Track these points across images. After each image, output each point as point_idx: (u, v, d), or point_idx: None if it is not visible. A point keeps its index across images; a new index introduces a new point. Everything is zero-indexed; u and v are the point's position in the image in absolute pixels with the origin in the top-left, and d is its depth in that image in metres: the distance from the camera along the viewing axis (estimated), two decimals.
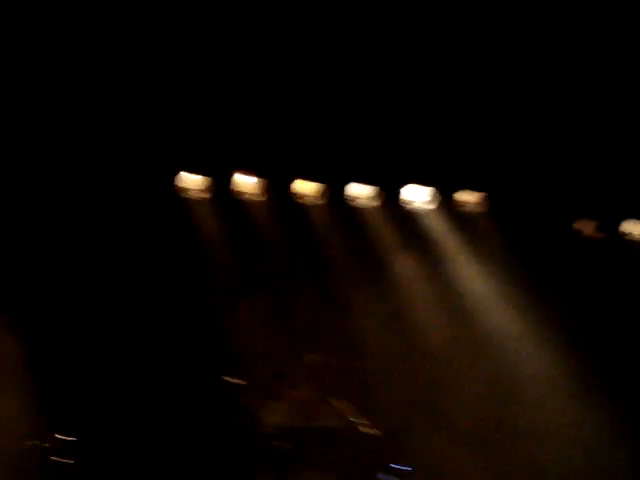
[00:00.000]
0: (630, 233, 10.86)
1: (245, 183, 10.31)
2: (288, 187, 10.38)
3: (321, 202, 10.55)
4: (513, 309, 10.79)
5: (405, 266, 10.85)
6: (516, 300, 10.77)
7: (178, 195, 10.00)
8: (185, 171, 9.94)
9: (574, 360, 10.50)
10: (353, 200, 10.58)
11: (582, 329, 10.66)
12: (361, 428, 9.43)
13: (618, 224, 10.82)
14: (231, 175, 10.18)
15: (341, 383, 9.91)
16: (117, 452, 9.64)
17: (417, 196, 10.90)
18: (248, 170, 10.19)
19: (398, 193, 10.70)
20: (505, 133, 10.11)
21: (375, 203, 10.70)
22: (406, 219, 10.89)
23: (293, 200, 10.42)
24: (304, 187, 10.46)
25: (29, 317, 9.37)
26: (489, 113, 9.93)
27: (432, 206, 10.91)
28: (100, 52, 8.90)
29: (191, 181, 10.05)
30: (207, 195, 10.15)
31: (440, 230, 11.01)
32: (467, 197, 10.99)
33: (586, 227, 10.88)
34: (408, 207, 10.79)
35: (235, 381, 9.09)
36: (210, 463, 9.94)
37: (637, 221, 10.87)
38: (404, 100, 9.83)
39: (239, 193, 10.29)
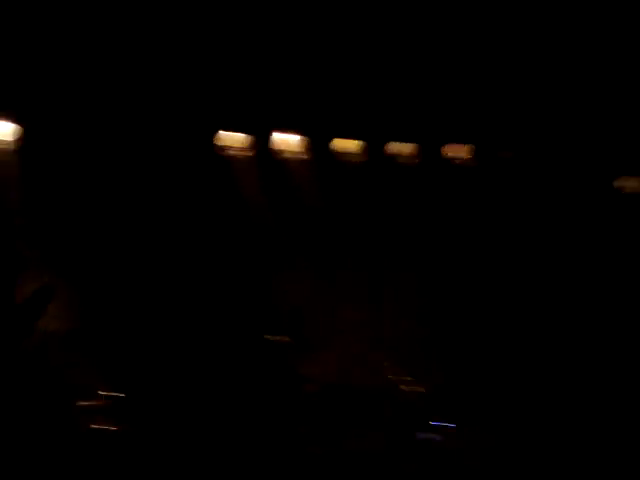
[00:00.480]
0: None
1: (285, 141, 10.28)
2: (328, 145, 10.34)
3: (361, 159, 10.52)
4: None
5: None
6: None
7: (219, 153, 10.02)
8: (226, 130, 9.92)
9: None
10: (394, 157, 10.55)
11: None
12: (403, 385, 9.41)
13: None
14: (271, 133, 10.16)
15: (384, 342, 9.91)
16: (164, 404, 9.74)
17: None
18: (288, 128, 10.15)
19: (436, 150, 10.64)
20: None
21: (415, 160, 10.65)
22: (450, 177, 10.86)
23: (333, 158, 10.39)
24: (344, 145, 10.43)
25: (76, 273, 9.52)
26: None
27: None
28: (142, 15, 8.96)
29: (232, 139, 10.03)
30: (248, 153, 10.14)
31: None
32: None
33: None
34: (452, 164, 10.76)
35: (279, 339, 9.09)
36: (255, 420, 10.00)
37: None
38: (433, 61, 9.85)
39: (279, 151, 10.28)
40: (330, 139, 10.25)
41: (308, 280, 10.40)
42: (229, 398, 9.91)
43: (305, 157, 10.30)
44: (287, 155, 10.27)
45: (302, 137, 10.23)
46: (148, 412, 9.60)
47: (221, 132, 9.87)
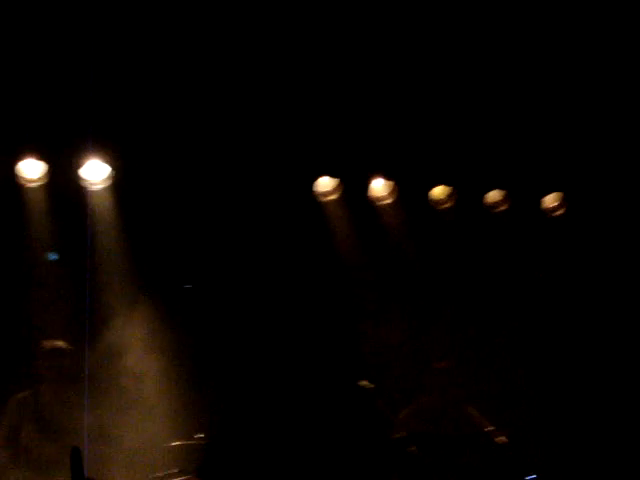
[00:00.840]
0: None
1: (379, 187, 10.31)
2: (422, 191, 10.36)
3: (454, 206, 10.52)
4: None
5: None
6: None
7: (315, 199, 10.07)
8: (322, 175, 9.98)
9: None
10: (489, 205, 10.55)
11: None
12: (494, 436, 9.33)
13: None
14: (366, 179, 10.20)
15: (473, 390, 9.86)
16: (248, 451, 9.73)
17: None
18: (383, 174, 10.19)
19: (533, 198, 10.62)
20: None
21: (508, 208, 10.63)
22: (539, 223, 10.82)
23: (429, 206, 10.42)
24: (438, 192, 10.44)
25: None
26: None
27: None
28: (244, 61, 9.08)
29: (327, 185, 10.08)
30: (341, 198, 10.19)
31: None
32: None
33: None
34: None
35: (368, 386, 9.08)
36: (342, 467, 9.96)
37: None
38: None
39: (373, 197, 10.31)
40: (427, 187, 10.28)
41: (399, 327, 10.42)
42: (319, 443, 9.91)
43: (399, 203, 10.33)
44: (382, 202, 10.31)
45: (397, 184, 10.26)
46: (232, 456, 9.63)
47: (321, 178, 9.93)
